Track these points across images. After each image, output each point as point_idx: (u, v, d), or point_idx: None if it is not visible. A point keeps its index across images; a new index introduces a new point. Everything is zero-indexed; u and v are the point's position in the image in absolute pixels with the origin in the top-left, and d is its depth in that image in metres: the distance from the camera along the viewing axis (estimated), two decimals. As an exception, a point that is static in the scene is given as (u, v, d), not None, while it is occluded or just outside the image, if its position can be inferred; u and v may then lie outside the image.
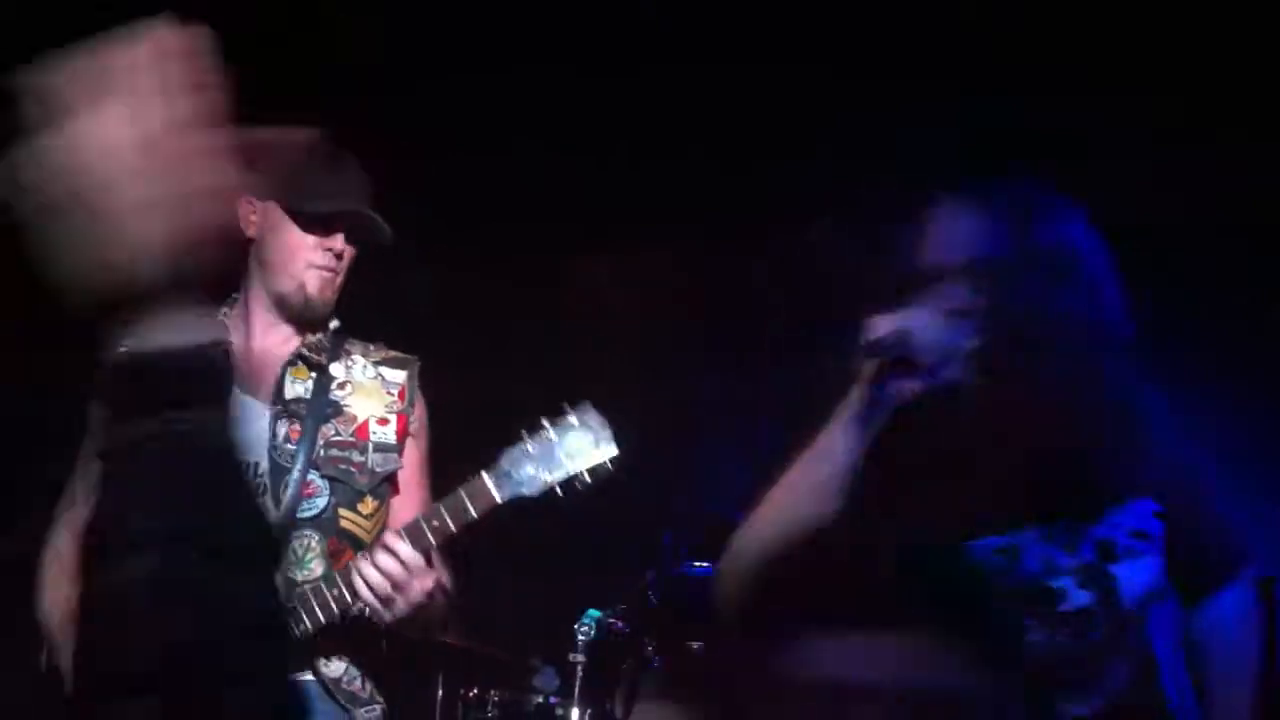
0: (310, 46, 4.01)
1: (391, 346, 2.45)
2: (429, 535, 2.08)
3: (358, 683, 2.21)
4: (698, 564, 3.54)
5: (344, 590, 2.08)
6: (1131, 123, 3.39)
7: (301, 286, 2.27)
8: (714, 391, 5.09)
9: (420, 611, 2.11)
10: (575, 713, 3.31)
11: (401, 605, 2.07)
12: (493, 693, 3.48)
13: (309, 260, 2.25)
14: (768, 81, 4.13)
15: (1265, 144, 3.19)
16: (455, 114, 4.25)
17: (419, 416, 2.39)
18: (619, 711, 3.30)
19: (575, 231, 5.00)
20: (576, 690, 3.35)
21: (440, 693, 3.67)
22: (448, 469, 2.31)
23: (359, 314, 2.45)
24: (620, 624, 3.46)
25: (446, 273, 4.75)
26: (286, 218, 2.26)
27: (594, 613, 3.42)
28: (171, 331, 0.87)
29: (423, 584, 2.07)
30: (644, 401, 4.90)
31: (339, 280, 2.30)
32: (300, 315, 2.30)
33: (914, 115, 3.64)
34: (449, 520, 2.10)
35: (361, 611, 2.15)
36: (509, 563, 3.54)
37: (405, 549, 2.05)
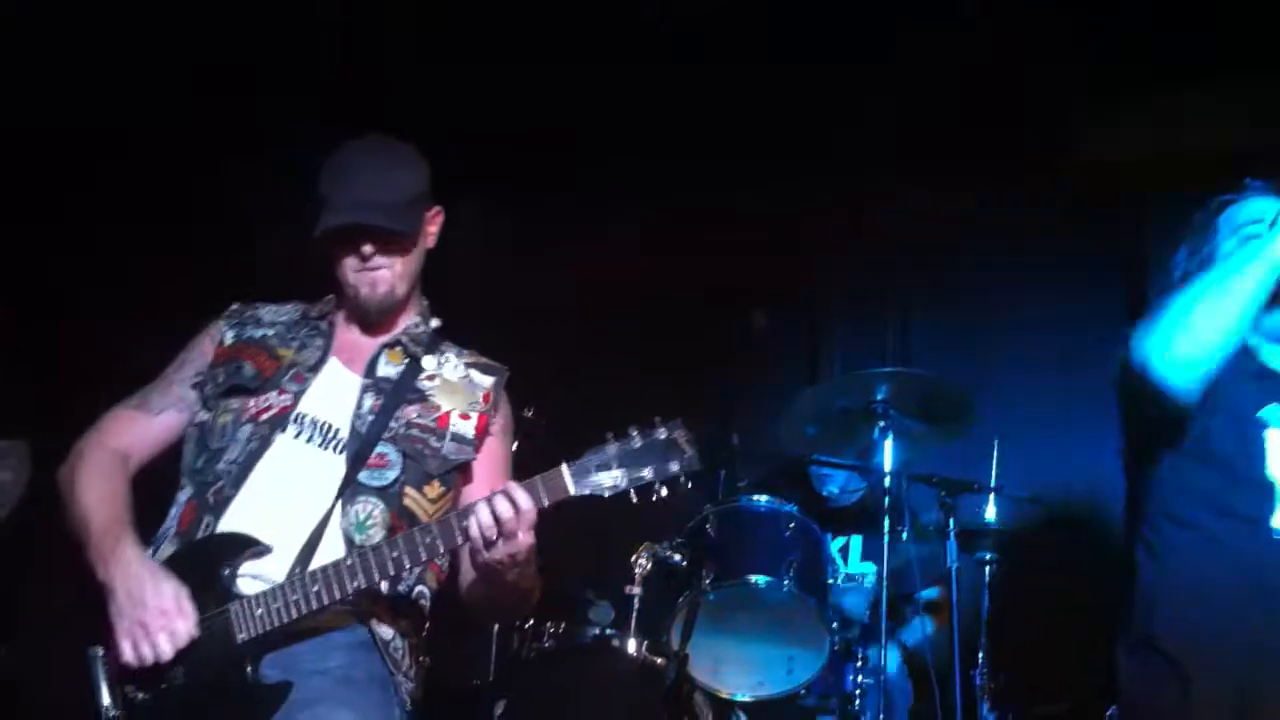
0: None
1: (483, 354, 2.52)
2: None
3: (401, 652, 2.27)
4: (754, 498, 3.53)
5: (404, 554, 2.10)
6: None
7: (356, 294, 2.38)
8: (772, 330, 5.06)
9: (510, 563, 2.11)
10: (631, 643, 3.32)
11: (500, 551, 2.08)
12: (549, 625, 3.50)
13: (347, 269, 2.37)
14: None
15: None
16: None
17: (501, 421, 2.45)
18: (675, 644, 3.31)
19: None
20: (633, 622, 3.36)
21: (496, 625, 3.70)
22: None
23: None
24: (677, 558, 3.46)
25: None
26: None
27: (652, 545, 3.42)
28: None
29: (527, 537, 2.10)
30: (700, 339, 4.91)
31: (387, 274, 2.37)
32: (370, 317, 2.42)
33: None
34: None
35: (415, 574, 2.21)
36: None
37: (523, 498, 2.07)
